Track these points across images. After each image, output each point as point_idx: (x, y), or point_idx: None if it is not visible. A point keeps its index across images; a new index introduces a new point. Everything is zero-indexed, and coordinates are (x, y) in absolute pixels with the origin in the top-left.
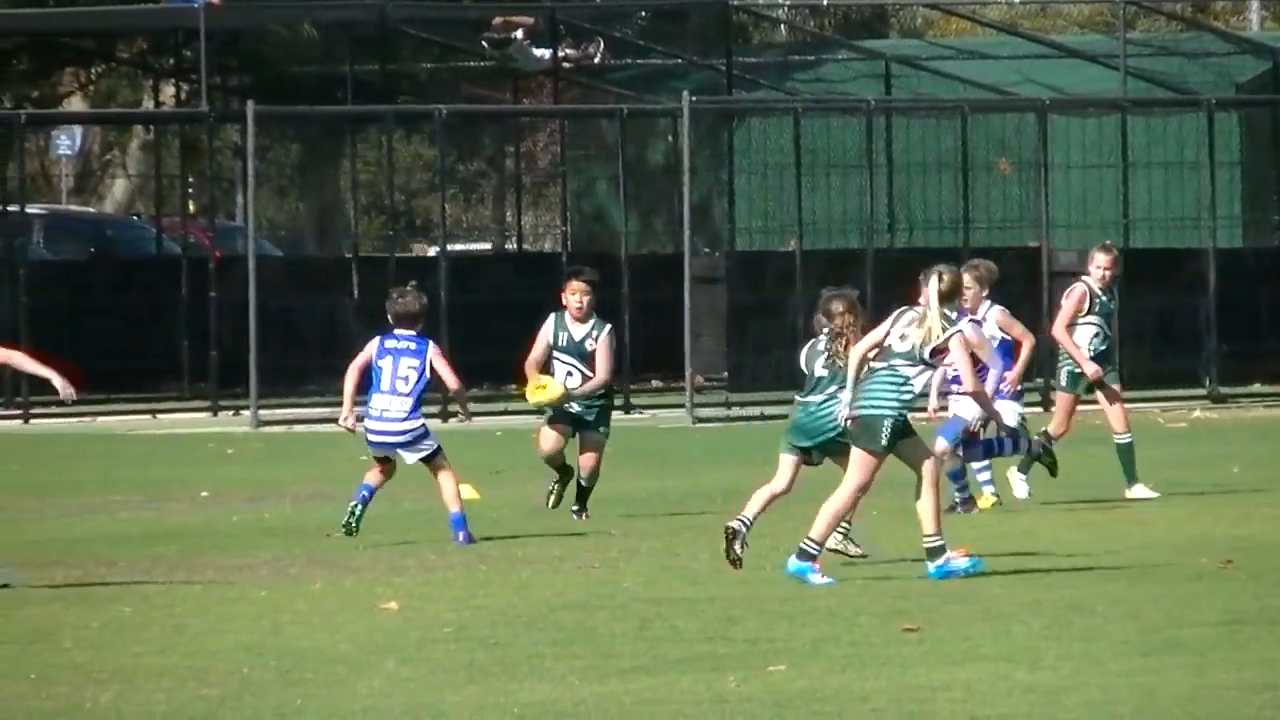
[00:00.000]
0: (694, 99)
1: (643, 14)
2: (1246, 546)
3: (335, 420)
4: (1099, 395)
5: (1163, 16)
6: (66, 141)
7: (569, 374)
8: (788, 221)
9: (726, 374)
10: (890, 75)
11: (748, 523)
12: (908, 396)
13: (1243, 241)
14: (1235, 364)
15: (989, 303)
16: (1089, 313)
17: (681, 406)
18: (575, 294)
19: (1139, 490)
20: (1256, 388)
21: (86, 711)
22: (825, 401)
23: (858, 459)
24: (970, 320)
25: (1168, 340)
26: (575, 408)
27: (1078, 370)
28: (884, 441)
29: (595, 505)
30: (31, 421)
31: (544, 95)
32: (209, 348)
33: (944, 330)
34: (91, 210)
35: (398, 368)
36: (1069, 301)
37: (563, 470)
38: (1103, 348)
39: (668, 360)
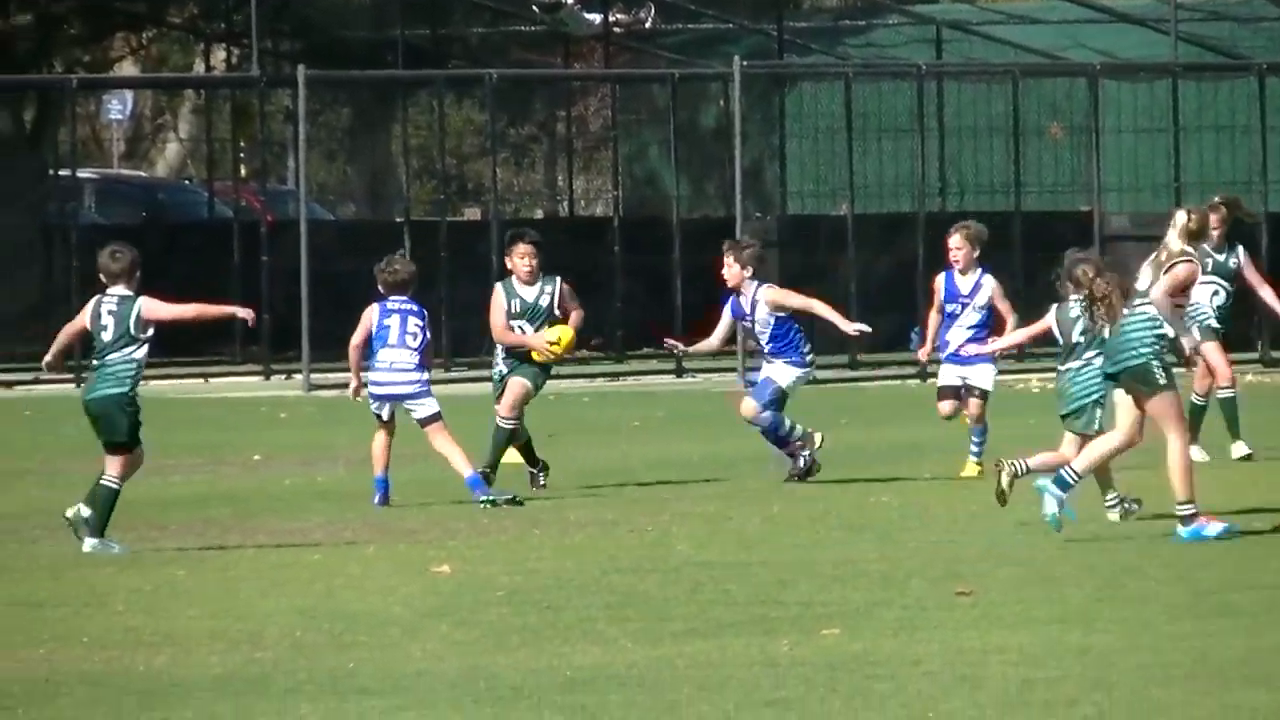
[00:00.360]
0: (745, 64)
1: None
2: None
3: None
4: (1205, 351)
5: None
6: (118, 106)
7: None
8: (839, 185)
9: None
10: (941, 40)
11: (1020, 469)
12: (1160, 332)
13: None
14: None
15: (980, 268)
16: (1205, 272)
17: (733, 370)
18: (524, 257)
19: (1240, 448)
20: None
21: (140, 674)
22: (1083, 367)
23: (1129, 412)
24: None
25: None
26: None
27: (1206, 322)
28: (1161, 380)
29: (651, 468)
30: (83, 385)
31: (595, 60)
32: (261, 312)
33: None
34: (143, 174)
35: (405, 324)
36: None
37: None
38: (1225, 304)
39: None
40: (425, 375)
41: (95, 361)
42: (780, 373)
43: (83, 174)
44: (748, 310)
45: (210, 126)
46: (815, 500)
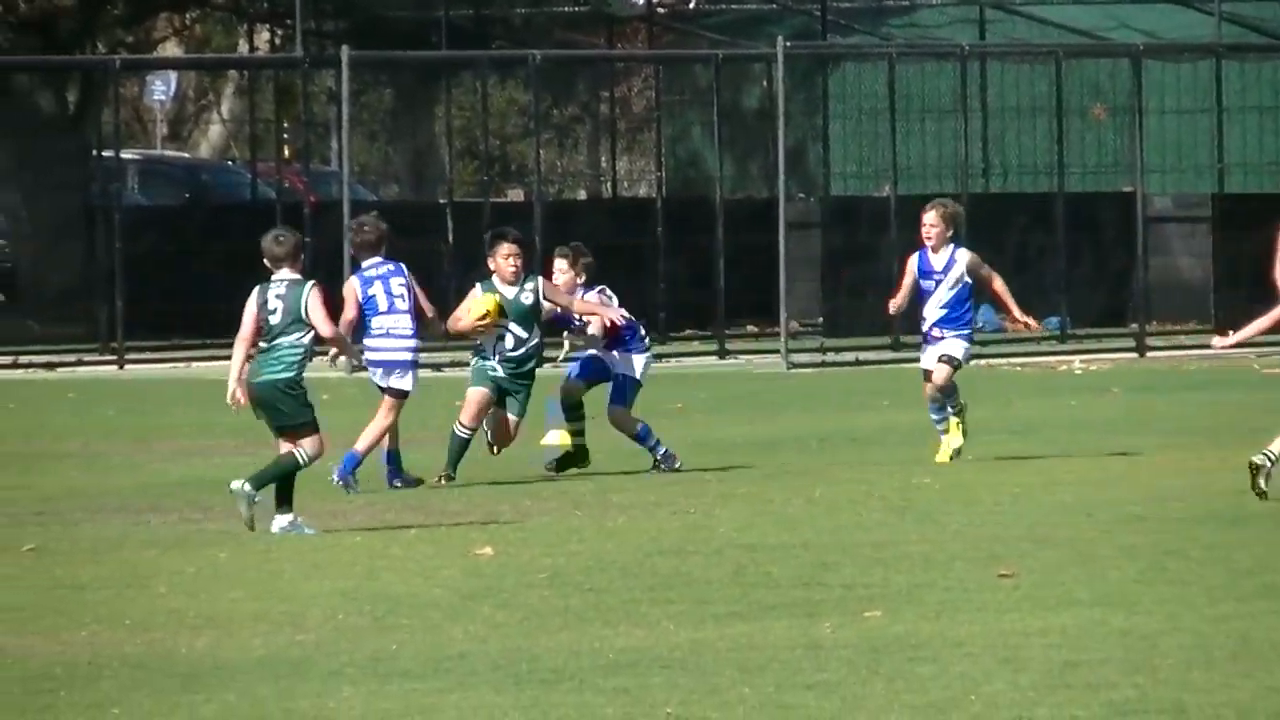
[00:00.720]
0: (788, 44)
1: None
2: None
3: (432, 366)
4: None
5: None
6: (161, 87)
7: (500, 338)
8: (882, 166)
9: (821, 319)
10: (984, 20)
11: (1272, 458)
12: None
13: None
14: None
15: (953, 244)
16: None
17: (776, 352)
18: (509, 257)
19: None
20: None
21: (182, 656)
22: None
23: None
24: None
25: (1264, 285)
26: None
27: None
28: None
29: (690, 450)
30: (126, 367)
31: (638, 40)
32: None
33: None
34: (186, 156)
35: (390, 287)
36: None
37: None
38: None
39: (762, 306)
40: (415, 344)
41: (263, 345)
42: (632, 363)
43: (126, 155)
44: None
45: (253, 107)
46: (857, 483)
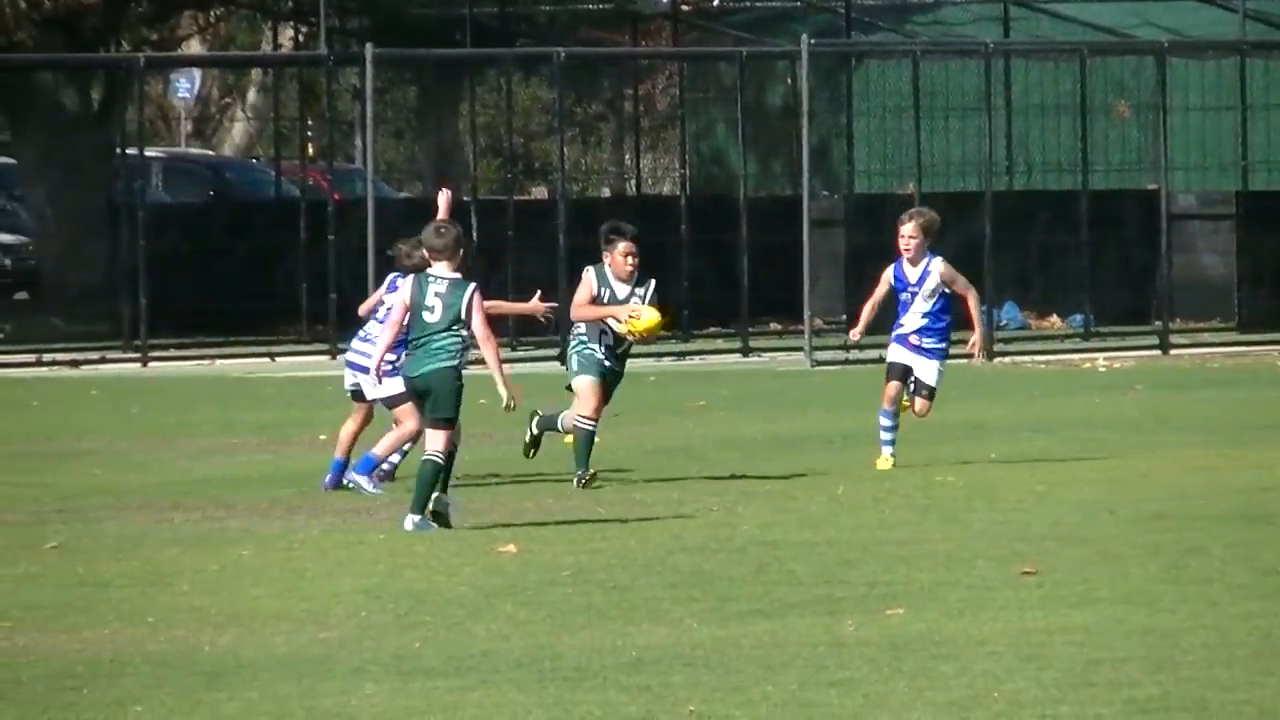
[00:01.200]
0: (812, 42)
1: None
2: None
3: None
4: None
5: None
6: (185, 85)
7: (603, 332)
8: (906, 164)
9: (845, 317)
10: (1009, 18)
11: None
12: None
13: None
14: None
15: (930, 254)
16: None
17: (800, 350)
18: (627, 255)
19: None
20: None
21: (205, 654)
22: None
23: None
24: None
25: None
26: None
27: None
28: None
29: (713, 447)
30: (150, 364)
31: (663, 38)
32: (328, 291)
33: None
34: (210, 153)
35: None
36: None
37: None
38: None
39: (786, 304)
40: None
41: (420, 339)
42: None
43: (150, 153)
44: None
45: (277, 105)
46: (880, 480)
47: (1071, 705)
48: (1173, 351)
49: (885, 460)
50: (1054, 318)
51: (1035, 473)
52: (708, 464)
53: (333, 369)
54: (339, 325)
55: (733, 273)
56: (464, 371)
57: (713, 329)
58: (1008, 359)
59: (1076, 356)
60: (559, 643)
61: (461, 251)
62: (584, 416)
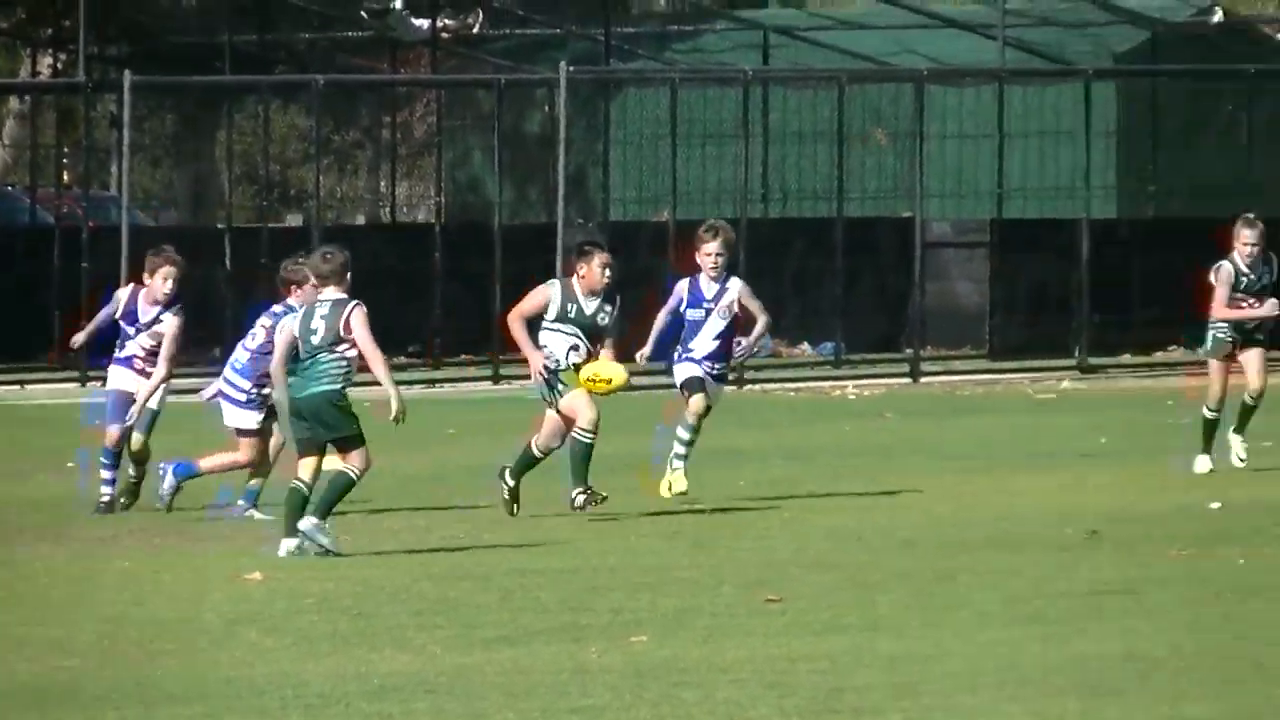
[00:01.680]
0: (571, 69)
1: None
2: (1112, 517)
3: (211, 395)
4: (1242, 358)
5: None
6: None
7: (573, 348)
8: (662, 192)
9: None
10: (768, 45)
11: None
12: None
13: (1117, 212)
14: (1105, 334)
15: (726, 272)
16: (1234, 290)
17: None
18: (606, 267)
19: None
20: (1126, 358)
21: None
22: None
23: None
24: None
25: (1040, 310)
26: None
27: (1222, 336)
28: None
29: (466, 475)
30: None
31: (422, 65)
32: (80, 319)
33: None
34: None
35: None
36: (1220, 284)
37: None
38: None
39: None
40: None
41: (305, 362)
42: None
43: None
44: None
45: (35, 132)
46: (629, 507)
47: None
48: (923, 379)
49: (680, 479)
50: (804, 345)
51: (784, 500)
52: (457, 492)
53: (83, 397)
54: (88, 353)
55: (486, 301)
56: (344, 390)
57: (465, 356)
58: (757, 387)
59: (827, 384)
60: (303, 670)
61: (348, 275)
62: (583, 429)
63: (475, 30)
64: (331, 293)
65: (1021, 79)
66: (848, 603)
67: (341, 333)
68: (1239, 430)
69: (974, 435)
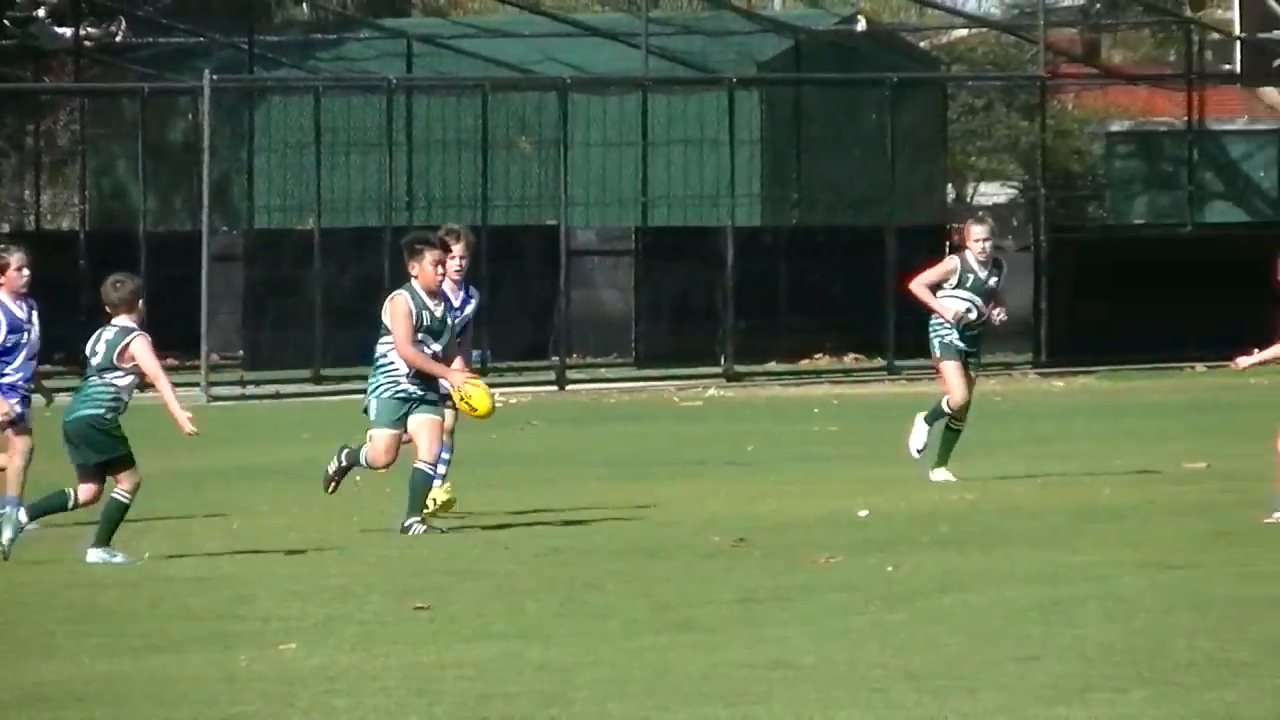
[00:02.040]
0: (214, 77)
1: None
2: (759, 525)
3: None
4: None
5: None
6: None
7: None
8: (307, 200)
9: (242, 352)
10: (412, 54)
11: None
12: None
13: (761, 219)
14: (752, 341)
15: (471, 283)
16: (959, 286)
17: (197, 385)
18: (437, 265)
19: (939, 474)
20: (771, 366)
21: None
22: None
23: None
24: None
25: (685, 318)
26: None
27: (948, 340)
28: None
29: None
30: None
31: (66, 73)
32: None
33: None
34: None
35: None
36: (935, 269)
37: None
38: (973, 322)
39: (185, 338)
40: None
41: (82, 383)
42: None
43: None
44: None
45: None
46: (277, 516)
47: None
48: (570, 387)
49: (443, 490)
50: None
51: (431, 509)
52: (105, 500)
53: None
54: None
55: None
56: (110, 416)
57: None
58: None
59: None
60: None
61: (139, 302)
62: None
63: (119, 39)
64: (121, 320)
65: (665, 87)
66: (496, 610)
67: (116, 360)
68: (944, 462)
69: (621, 443)
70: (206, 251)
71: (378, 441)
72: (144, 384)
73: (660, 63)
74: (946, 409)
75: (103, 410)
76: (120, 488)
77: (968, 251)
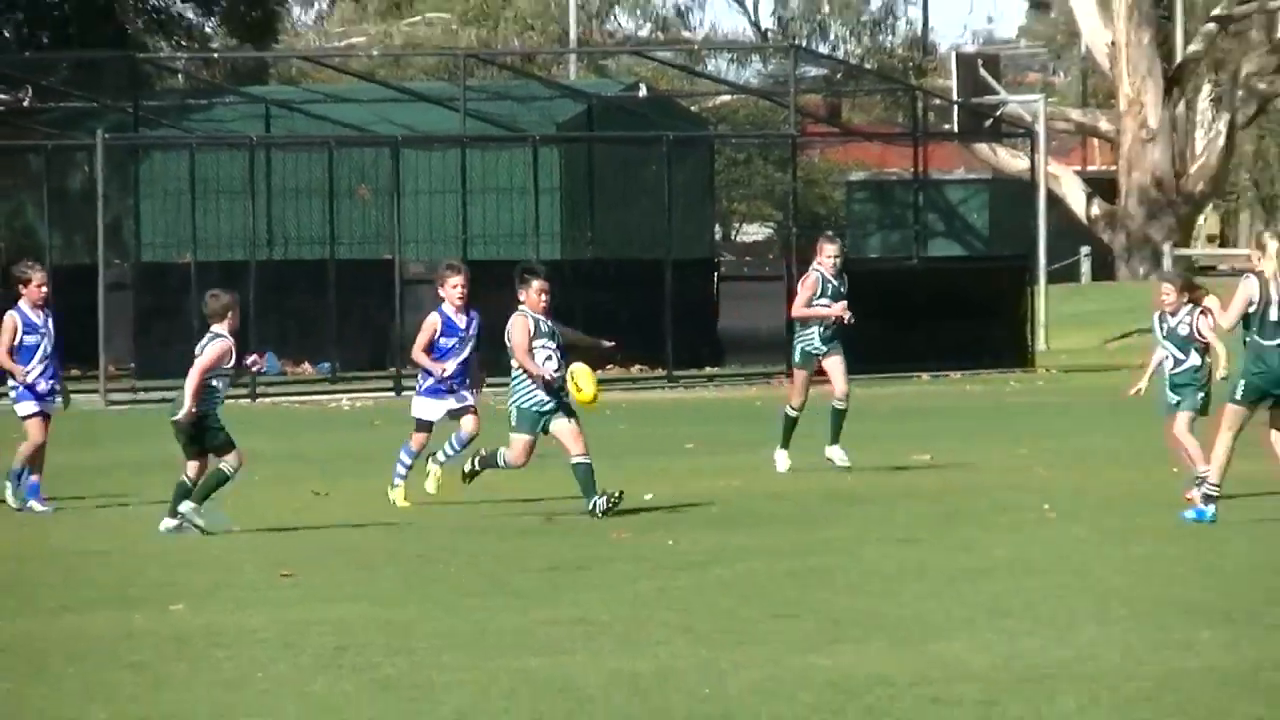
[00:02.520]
0: (107, 136)
1: (64, 65)
2: (564, 508)
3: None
4: (826, 365)
5: (496, 66)
6: None
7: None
8: (184, 238)
9: (134, 365)
10: (270, 116)
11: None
12: None
13: (561, 254)
14: None
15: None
16: (821, 295)
17: (96, 392)
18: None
19: (835, 452)
20: None
21: None
22: None
23: None
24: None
25: (498, 335)
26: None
27: (809, 350)
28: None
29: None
30: None
31: None
32: None
33: None
34: None
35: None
36: (804, 288)
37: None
38: (832, 327)
39: (88, 354)
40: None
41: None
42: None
43: None
44: None
45: None
46: (166, 500)
47: (322, 683)
48: (404, 393)
49: (398, 491)
50: (306, 365)
51: (295, 492)
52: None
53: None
54: None
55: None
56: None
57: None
58: (269, 400)
59: (325, 398)
60: None
61: (228, 314)
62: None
63: (25, 104)
64: (215, 328)
65: (480, 143)
66: (354, 578)
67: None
68: (835, 440)
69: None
70: (102, 282)
71: (516, 445)
72: (234, 381)
73: (476, 123)
74: (791, 410)
75: (206, 407)
76: (228, 461)
77: (822, 266)
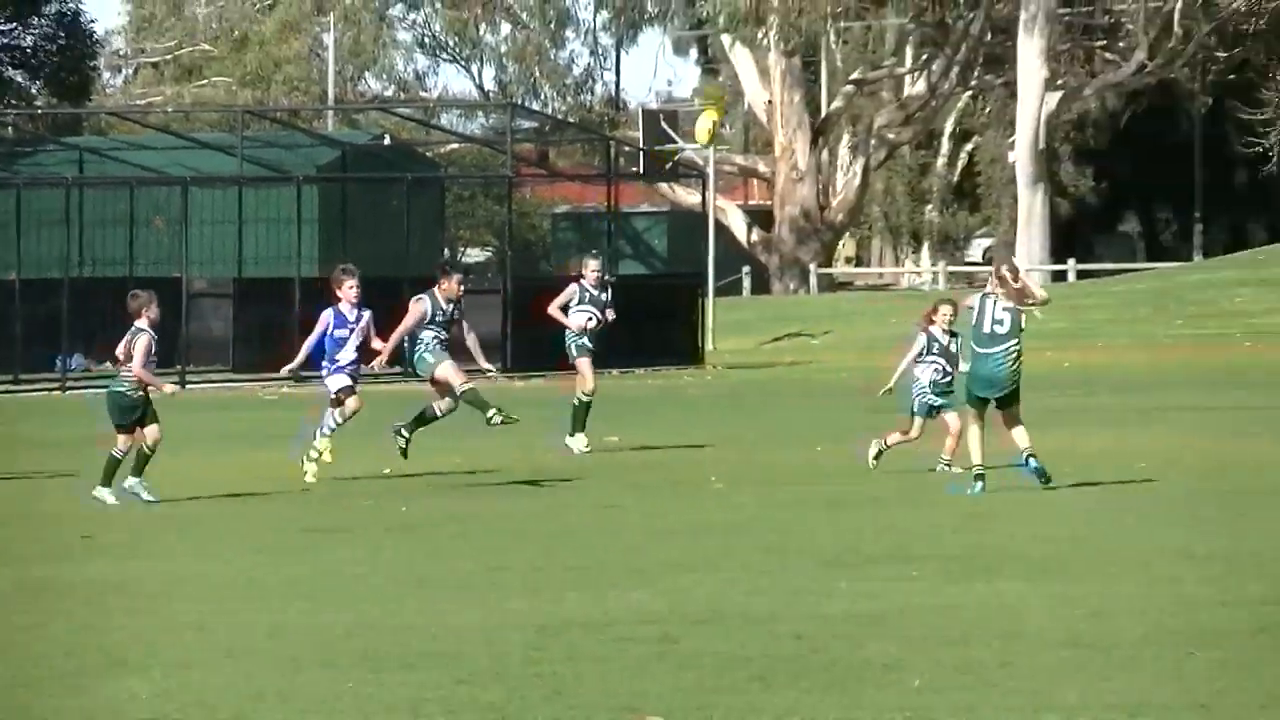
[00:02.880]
0: None
1: None
2: (328, 481)
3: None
4: (579, 364)
5: (268, 120)
6: None
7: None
8: (10, 260)
9: None
10: (83, 160)
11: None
12: None
13: (319, 273)
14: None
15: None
16: (581, 303)
17: None
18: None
19: (576, 442)
20: None
21: None
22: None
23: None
24: None
25: (268, 337)
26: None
27: (580, 342)
28: None
29: None
30: None
31: None
32: None
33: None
34: None
35: None
36: (563, 294)
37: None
38: (593, 328)
39: None
40: None
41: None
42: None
43: None
44: None
45: None
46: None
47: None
48: (189, 388)
49: (325, 442)
50: (108, 363)
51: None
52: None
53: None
54: None
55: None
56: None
57: None
58: (76, 391)
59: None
60: None
61: (144, 310)
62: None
63: None
64: (138, 323)
65: (254, 183)
66: (177, 543)
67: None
68: (581, 429)
69: (236, 425)
70: None
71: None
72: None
73: (251, 166)
74: (583, 396)
75: (123, 388)
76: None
77: (585, 280)
